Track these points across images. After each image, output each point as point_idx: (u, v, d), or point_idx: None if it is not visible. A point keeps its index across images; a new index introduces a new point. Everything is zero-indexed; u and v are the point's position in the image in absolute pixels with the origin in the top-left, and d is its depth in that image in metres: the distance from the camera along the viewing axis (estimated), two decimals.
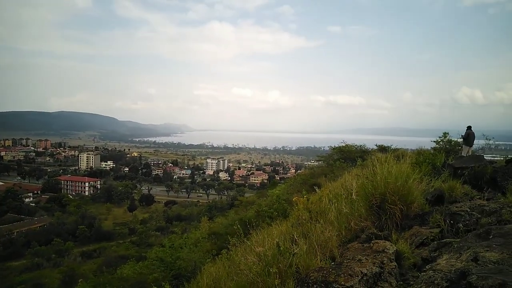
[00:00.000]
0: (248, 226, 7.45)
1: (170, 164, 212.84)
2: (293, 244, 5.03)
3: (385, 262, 3.51)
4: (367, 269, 3.31)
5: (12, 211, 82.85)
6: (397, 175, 5.54)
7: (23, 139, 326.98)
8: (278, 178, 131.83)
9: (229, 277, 6.07)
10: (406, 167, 6.11)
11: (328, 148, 34.65)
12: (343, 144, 28.15)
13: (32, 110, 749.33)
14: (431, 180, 7.19)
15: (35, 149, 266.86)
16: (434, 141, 19.01)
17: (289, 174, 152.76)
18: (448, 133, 18.81)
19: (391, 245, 3.97)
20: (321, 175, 21.49)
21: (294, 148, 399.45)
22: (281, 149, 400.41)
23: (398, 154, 13.06)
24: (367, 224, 5.23)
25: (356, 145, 28.37)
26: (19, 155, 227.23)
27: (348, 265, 3.46)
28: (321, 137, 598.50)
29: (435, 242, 4.31)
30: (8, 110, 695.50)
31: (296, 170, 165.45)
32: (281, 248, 4.57)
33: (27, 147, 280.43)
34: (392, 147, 24.69)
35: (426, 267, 3.39)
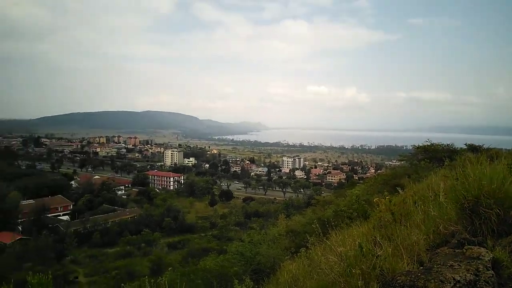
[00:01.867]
0: (327, 225, 7.40)
1: (248, 162, 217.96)
2: (376, 246, 4.91)
3: (480, 269, 3.29)
4: (460, 276, 3.13)
5: (107, 202, 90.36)
6: (492, 176, 5.13)
7: (115, 136, 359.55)
8: (357, 178, 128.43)
9: (309, 276, 6.10)
10: (501, 168, 5.63)
11: (411, 147, 32.84)
12: (428, 143, 26.52)
13: (122, 110, 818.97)
14: None
15: (126, 146, 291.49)
16: None
17: (368, 174, 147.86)
18: None
19: (487, 252, 3.69)
20: (404, 175, 20.48)
21: (373, 147, 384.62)
22: (359, 147, 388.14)
23: (491, 154, 12.01)
24: (458, 228, 4.91)
25: (442, 144, 26.55)
26: (112, 151, 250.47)
27: (439, 270, 3.29)
28: (403, 136, 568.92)
29: None
30: (102, 110, 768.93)
31: (376, 170, 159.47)
32: (364, 249, 4.49)
33: (119, 144, 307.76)
34: (484, 146, 22.66)
35: None
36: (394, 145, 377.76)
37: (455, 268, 3.32)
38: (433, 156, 23.36)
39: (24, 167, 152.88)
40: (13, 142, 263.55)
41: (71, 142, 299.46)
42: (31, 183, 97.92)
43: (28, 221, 71.67)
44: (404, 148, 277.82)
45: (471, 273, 3.22)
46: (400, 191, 11.30)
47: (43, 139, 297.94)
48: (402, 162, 31.87)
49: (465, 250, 3.76)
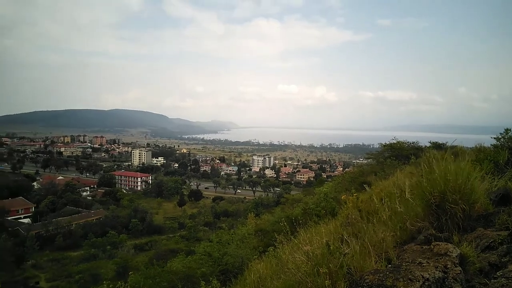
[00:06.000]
0: (295, 223, 7.27)
1: (218, 161, 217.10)
2: (343, 244, 4.79)
3: (449, 266, 3.21)
4: (429, 274, 3.03)
5: (71, 204, 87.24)
6: (457, 172, 5.12)
7: (81, 135, 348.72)
8: (325, 176, 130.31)
9: (276, 276, 5.93)
10: (466, 165, 5.66)
11: (377, 146, 33.51)
12: (395, 141, 27.07)
13: (89, 108, 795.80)
14: (493, 178, 6.63)
15: (92, 145, 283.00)
16: (494, 138, 17.69)
17: (336, 172, 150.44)
18: (510, 130, 17.45)
19: (454, 247, 3.63)
20: (371, 173, 20.79)
21: (341, 146, 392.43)
22: (328, 146, 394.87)
23: (455, 151, 12.28)
24: (424, 224, 4.87)
25: (408, 142, 27.20)
26: (77, 151, 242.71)
27: (408, 268, 3.19)
28: (370, 134, 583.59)
29: (505, 246, 3.91)
30: (66, 109, 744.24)
31: (344, 168, 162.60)
32: (331, 248, 4.36)
33: (84, 143, 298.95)
34: (448, 144, 23.34)
35: (497, 273, 3.05)
36: (361, 143, 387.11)
37: (423, 266, 3.22)
38: (399, 153, 23.86)
39: None
40: None
41: (33, 142, 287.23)
42: None
43: None
44: (371, 146, 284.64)
45: (439, 270, 3.13)
46: (367, 188, 11.38)
47: (3, 139, 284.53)
48: (369, 160, 32.43)
49: (433, 247, 3.69)
